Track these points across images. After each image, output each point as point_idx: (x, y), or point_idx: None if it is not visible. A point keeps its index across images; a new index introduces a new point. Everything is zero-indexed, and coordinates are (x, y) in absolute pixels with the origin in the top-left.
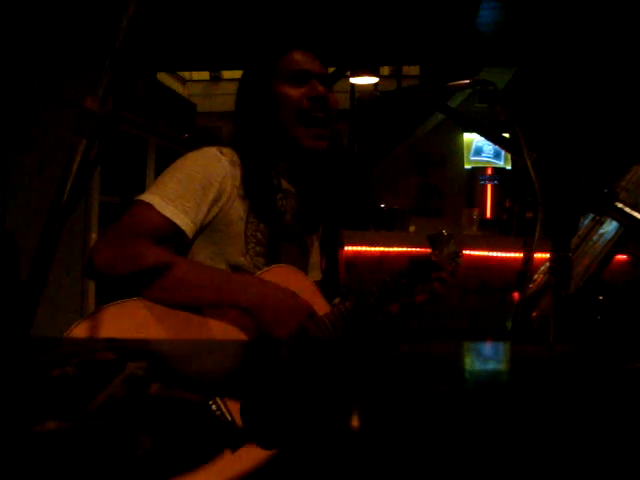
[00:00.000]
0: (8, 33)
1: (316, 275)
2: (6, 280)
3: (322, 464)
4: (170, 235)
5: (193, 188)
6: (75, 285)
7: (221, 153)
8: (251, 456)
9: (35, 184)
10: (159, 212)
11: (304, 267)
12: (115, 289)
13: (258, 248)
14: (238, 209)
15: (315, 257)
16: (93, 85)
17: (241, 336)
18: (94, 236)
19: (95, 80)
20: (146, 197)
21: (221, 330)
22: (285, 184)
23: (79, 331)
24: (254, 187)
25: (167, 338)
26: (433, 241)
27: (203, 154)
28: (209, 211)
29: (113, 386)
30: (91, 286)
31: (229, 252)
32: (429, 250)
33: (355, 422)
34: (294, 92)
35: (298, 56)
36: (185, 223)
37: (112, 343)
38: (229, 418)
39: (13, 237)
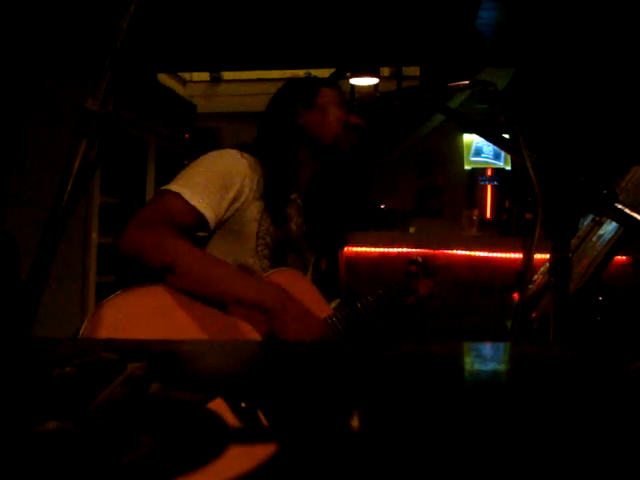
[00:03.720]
0: (8, 34)
1: None
2: (6, 280)
3: (322, 464)
4: (194, 226)
5: (217, 184)
6: (75, 285)
7: (242, 156)
8: (252, 456)
9: (35, 184)
10: (187, 201)
11: None
12: (140, 273)
13: (266, 251)
14: (253, 210)
15: (309, 275)
16: (93, 86)
17: (253, 333)
18: (94, 236)
19: (95, 81)
20: (174, 187)
21: (233, 324)
22: (294, 196)
23: (107, 309)
24: (274, 188)
25: (183, 325)
26: (409, 275)
27: (227, 153)
28: (228, 208)
29: (113, 386)
30: (91, 286)
31: (240, 251)
32: (428, 251)
33: (355, 422)
34: (340, 114)
35: (333, 90)
36: (209, 214)
37: (112, 343)
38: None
39: (13, 237)
